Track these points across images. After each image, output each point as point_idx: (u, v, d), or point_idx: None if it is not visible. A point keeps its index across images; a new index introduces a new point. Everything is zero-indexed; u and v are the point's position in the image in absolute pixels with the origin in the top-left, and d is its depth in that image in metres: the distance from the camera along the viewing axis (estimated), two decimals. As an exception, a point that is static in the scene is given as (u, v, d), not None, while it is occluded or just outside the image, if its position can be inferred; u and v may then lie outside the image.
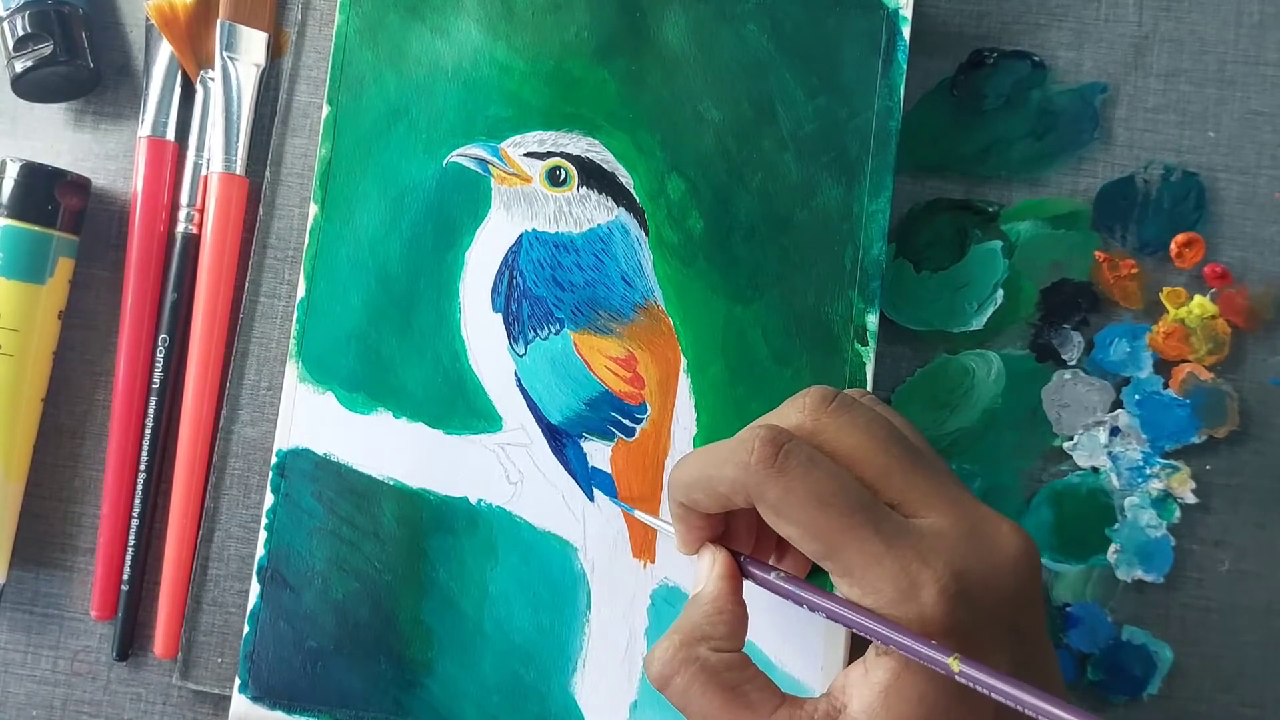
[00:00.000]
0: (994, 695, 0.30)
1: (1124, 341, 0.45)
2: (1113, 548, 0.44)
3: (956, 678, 0.30)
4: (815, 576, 0.40)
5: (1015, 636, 0.33)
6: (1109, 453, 0.45)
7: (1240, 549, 0.45)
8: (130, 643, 0.45)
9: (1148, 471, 0.45)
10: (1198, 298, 0.45)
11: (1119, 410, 0.45)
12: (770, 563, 0.39)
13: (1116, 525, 0.44)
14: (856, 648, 0.42)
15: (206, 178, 0.46)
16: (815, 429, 0.35)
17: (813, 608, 0.34)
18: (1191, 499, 0.45)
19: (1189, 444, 0.45)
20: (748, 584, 0.37)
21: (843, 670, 0.34)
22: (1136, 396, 0.45)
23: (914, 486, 0.34)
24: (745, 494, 0.34)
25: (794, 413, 0.35)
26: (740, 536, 0.39)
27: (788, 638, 0.42)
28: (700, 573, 0.37)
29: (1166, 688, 0.44)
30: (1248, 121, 0.47)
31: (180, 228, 0.46)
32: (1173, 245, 0.46)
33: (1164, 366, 0.45)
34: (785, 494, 0.33)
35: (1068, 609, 0.44)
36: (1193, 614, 0.44)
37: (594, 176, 0.44)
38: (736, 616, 0.35)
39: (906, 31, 0.44)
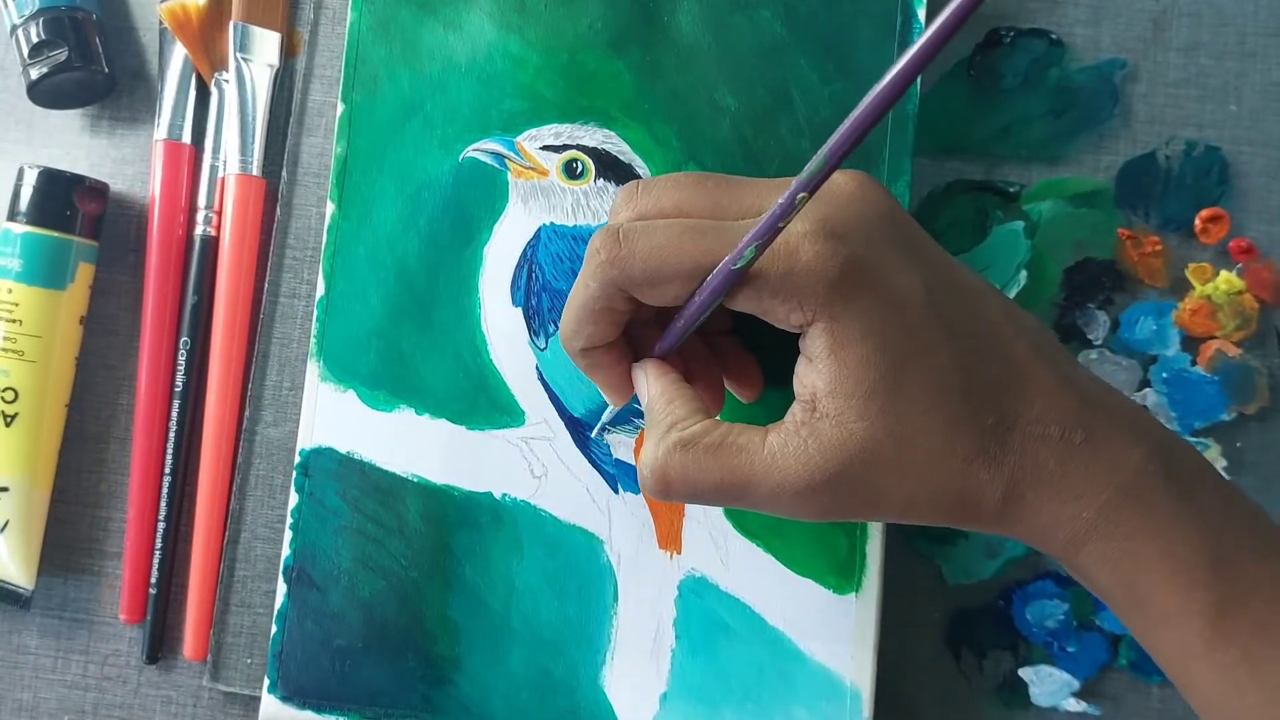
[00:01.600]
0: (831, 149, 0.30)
1: (1150, 319, 0.45)
2: (1144, 528, 0.44)
3: (797, 202, 0.31)
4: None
5: (912, 252, 0.34)
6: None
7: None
8: (159, 646, 0.45)
9: (1177, 450, 0.44)
10: (1223, 273, 0.45)
11: (1147, 389, 0.45)
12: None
13: (1147, 505, 0.44)
14: (883, 635, 0.42)
15: (223, 179, 0.46)
16: (638, 212, 0.37)
17: (719, 284, 0.34)
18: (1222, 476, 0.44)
19: (1219, 421, 0.44)
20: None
21: (795, 378, 0.34)
22: (1164, 375, 0.44)
23: (744, 194, 0.36)
24: (618, 291, 0.35)
25: (615, 216, 0.37)
26: (647, 351, 0.39)
27: (816, 628, 0.42)
28: (640, 390, 0.38)
29: (1202, 668, 0.44)
30: (1270, 93, 0.46)
31: (199, 230, 0.46)
32: (1197, 221, 0.45)
33: (1191, 343, 0.45)
34: (645, 260, 0.34)
35: (1099, 591, 0.44)
36: (1227, 593, 0.44)
37: (611, 168, 0.44)
38: (687, 395, 0.36)
39: (921, 13, 0.44)
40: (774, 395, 0.42)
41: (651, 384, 0.37)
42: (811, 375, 0.33)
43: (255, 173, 0.46)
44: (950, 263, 0.36)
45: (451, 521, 0.43)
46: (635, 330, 0.38)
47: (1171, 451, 0.33)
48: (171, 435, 0.45)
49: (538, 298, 0.44)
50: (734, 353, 0.40)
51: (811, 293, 0.33)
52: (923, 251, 0.35)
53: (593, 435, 0.43)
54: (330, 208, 0.44)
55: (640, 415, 0.43)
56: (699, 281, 0.34)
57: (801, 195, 0.31)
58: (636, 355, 0.39)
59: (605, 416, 0.42)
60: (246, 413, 0.45)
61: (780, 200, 0.31)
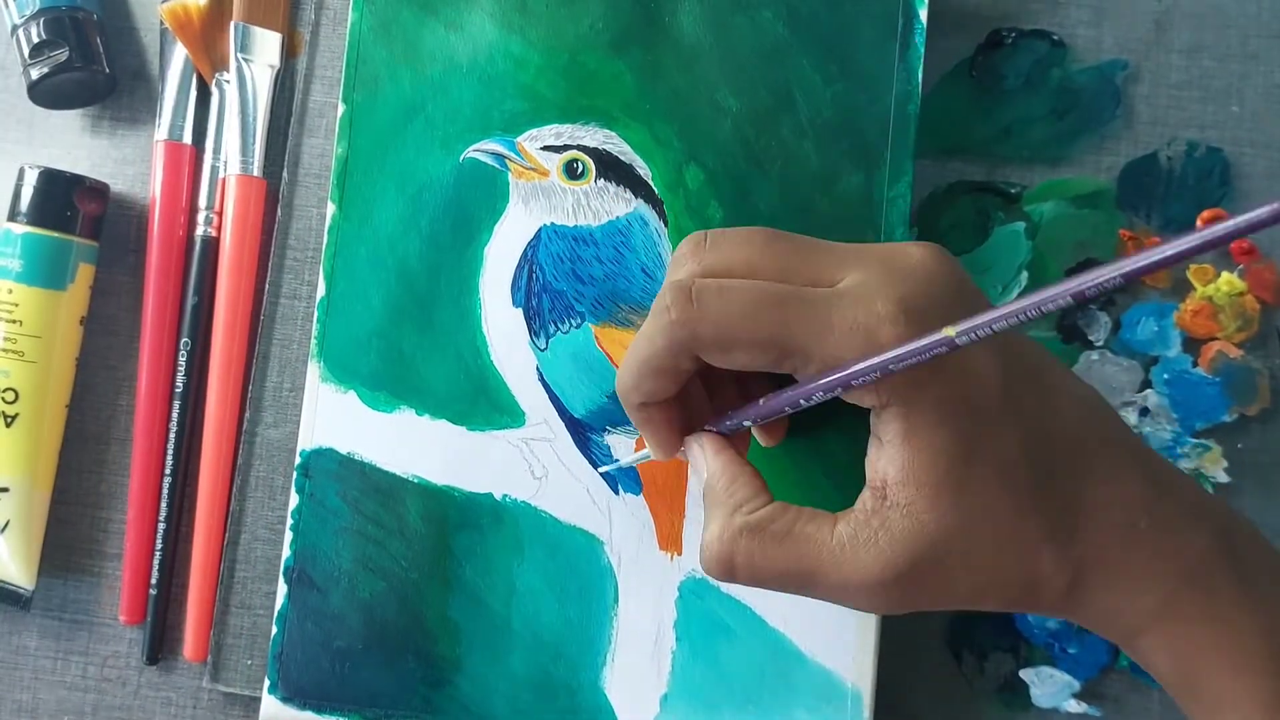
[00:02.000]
0: (996, 326, 0.29)
1: (1151, 320, 0.45)
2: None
3: (956, 341, 0.30)
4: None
5: None
6: (1139, 433, 0.44)
7: (1275, 527, 0.44)
8: (160, 647, 0.45)
9: (1179, 451, 0.44)
10: (1225, 274, 0.45)
11: (1148, 390, 0.45)
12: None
13: (1148, 507, 0.44)
14: (884, 631, 0.42)
15: (224, 180, 0.46)
16: (705, 268, 0.35)
17: (805, 396, 0.33)
18: (1224, 478, 0.44)
19: (1220, 422, 0.44)
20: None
21: (867, 463, 0.34)
22: (1165, 376, 0.44)
23: (817, 261, 0.34)
24: (686, 351, 0.34)
25: (681, 268, 0.36)
26: (701, 416, 0.38)
27: (817, 630, 0.42)
28: (696, 464, 0.37)
29: (1203, 670, 0.44)
30: (1272, 95, 0.46)
31: (199, 231, 0.46)
32: (1198, 222, 0.45)
33: (1192, 345, 0.45)
34: (716, 322, 0.33)
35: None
36: (1228, 595, 0.44)
37: (612, 169, 0.44)
38: (750, 475, 0.35)
39: (923, 13, 0.44)
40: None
41: (711, 461, 0.36)
42: (883, 461, 0.33)
43: (256, 173, 0.46)
44: (1022, 340, 0.35)
45: (452, 522, 0.43)
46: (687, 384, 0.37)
47: (1235, 535, 0.33)
48: (172, 436, 0.45)
49: (538, 298, 0.44)
50: (764, 395, 0.40)
51: (889, 377, 0.32)
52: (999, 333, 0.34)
53: (602, 470, 0.43)
54: (331, 208, 0.44)
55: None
56: (772, 354, 0.33)
57: (946, 328, 0.30)
58: (686, 409, 0.38)
59: (626, 463, 0.42)
60: (247, 413, 0.45)
61: (927, 338, 0.30)
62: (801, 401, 0.34)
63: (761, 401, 0.35)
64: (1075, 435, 0.33)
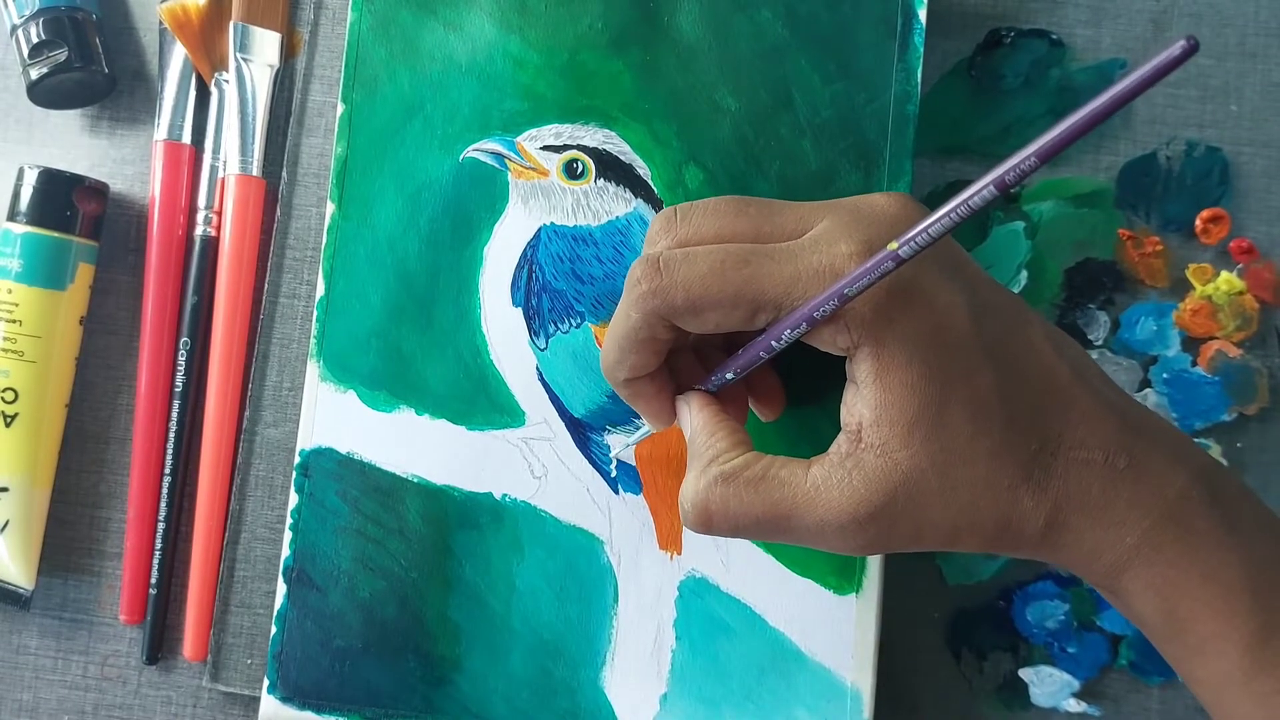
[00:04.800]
0: (934, 231, 0.30)
1: (1150, 320, 0.45)
2: (1144, 529, 0.44)
3: (900, 254, 0.30)
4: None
5: (954, 272, 0.34)
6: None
7: (1274, 527, 0.44)
8: (159, 646, 0.45)
9: (1178, 451, 0.44)
10: (1224, 274, 0.45)
11: (1148, 389, 0.45)
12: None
13: (1147, 506, 0.44)
14: (882, 631, 0.42)
15: (223, 180, 0.46)
16: (679, 240, 0.36)
17: (775, 338, 0.34)
18: (1223, 477, 0.44)
19: (1219, 422, 0.44)
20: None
21: (842, 408, 0.34)
22: (1165, 375, 0.44)
23: (784, 218, 0.35)
24: (660, 320, 0.34)
25: (654, 245, 0.36)
26: (692, 379, 0.39)
27: (816, 628, 0.42)
28: (684, 423, 0.37)
29: (1202, 669, 0.44)
30: (1270, 94, 0.46)
31: (199, 230, 0.46)
32: (1197, 221, 0.45)
33: (1192, 344, 0.45)
34: (686, 286, 0.33)
35: (1096, 591, 0.44)
36: (1227, 594, 0.44)
37: (611, 168, 0.44)
38: (730, 428, 0.36)
39: (922, 13, 0.44)
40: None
41: (694, 416, 0.36)
42: (858, 404, 0.33)
43: (255, 173, 0.46)
44: (993, 283, 0.35)
45: (452, 522, 0.43)
46: (673, 357, 0.38)
47: (1214, 477, 0.33)
48: (171, 435, 0.45)
49: (538, 298, 0.44)
50: (760, 371, 0.40)
51: (856, 315, 0.32)
52: (965, 271, 0.34)
53: (609, 469, 0.43)
54: (330, 208, 0.44)
55: (638, 415, 0.43)
56: (743, 310, 0.33)
57: (890, 244, 0.30)
58: (676, 381, 0.38)
59: (630, 440, 0.42)
60: (246, 413, 0.45)
61: (872, 259, 0.31)
62: (773, 344, 0.34)
63: (740, 352, 0.36)
64: (1050, 376, 0.33)
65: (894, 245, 0.30)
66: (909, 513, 0.32)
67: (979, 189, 0.28)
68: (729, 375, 0.36)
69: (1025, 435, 0.33)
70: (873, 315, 0.32)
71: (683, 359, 0.38)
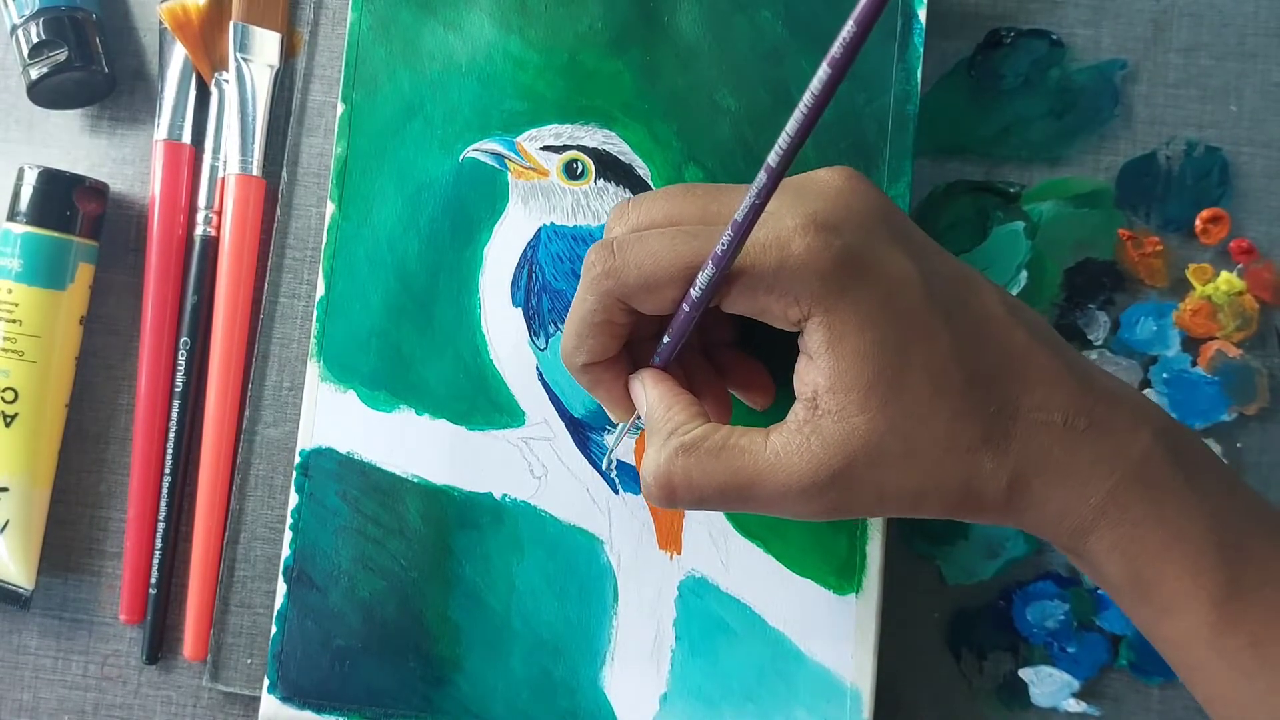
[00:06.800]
0: (791, 130, 0.30)
1: (1150, 320, 0.45)
2: (1144, 529, 0.44)
3: (771, 164, 0.30)
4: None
5: (905, 242, 0.34)
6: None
7: (1274, 527, 0.44)
8: (159, 646, 0.45)
9: (1178, 451, 0.44)
10: (1224, 274, 0.45)
11: (1148, 389, 0.45)
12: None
13: (1147, 506, 0.44)
14: (883, 635, 0.42)
15: (224, 180, 0.46)
16: (629, 226, 0.37)
17: (695, 289, 0.34)
18: (1223, 477, 0.44)
19: (1219, 422, 0.44)
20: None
21: (795, 378, 0.34)
22: (1165, 375, 0.44)
23: (733, 199, 0.36)
24: (615, 302, 0.35)
25: (607, 233, 0.38)
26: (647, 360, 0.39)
27: (816, 628, 0.42)
28: (639, 401, 0.37)
29: (1202, 669, 0.44)
30: (1270, 94, 0.46)
31: (199, 230, 0.46)
32: (1197, 222, 0.45)
33: (1192, 344, 0.45)
34: (639, 267, 0.34)
35: (1099, 592, 0.44)
36: (1227, 594, 0.44)
37: (611, 169, 0.44)
38: (686, 401, 0.36)
39: (922, 13, 0.44)
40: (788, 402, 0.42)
41: (649, 391, 0.37)
42: (811, 372, 0.33)
43: (255, 173, 0.46)
44: (943, 253, 0.35)
45: (452, 522, 0.43)
46: (638, 348, 0.38)
47: (1176, 437, 0.33)
48: (171, 435, 0.45)
49: (538, 298, 0.44)
50: (739, 362, 0.40)
51: (805, 286, 0.32)
52: (915, 241, 0.35)
53: (604, 468, 0.43)
54: (330, 208, 0.44)
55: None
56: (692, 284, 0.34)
57: (775, 155, 0.30)
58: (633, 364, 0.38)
59: (614, 444, 0.42)
60: (246, 413, 0.45)
61: (755, 187, 0.31)
62: (693, 293, 0.34)
63: (680, 312, 0.35)
64: (1006, 340, 0.33)
65: (771, 160, 0.30)
66: (870, 476, 0.33)
67: (820, 78, 0.28)
68: (666, 339, 0.36)
69: (983, 398, 0.33)
70: (820, 286, 0.32)
71: (643, 350, 0.38)
